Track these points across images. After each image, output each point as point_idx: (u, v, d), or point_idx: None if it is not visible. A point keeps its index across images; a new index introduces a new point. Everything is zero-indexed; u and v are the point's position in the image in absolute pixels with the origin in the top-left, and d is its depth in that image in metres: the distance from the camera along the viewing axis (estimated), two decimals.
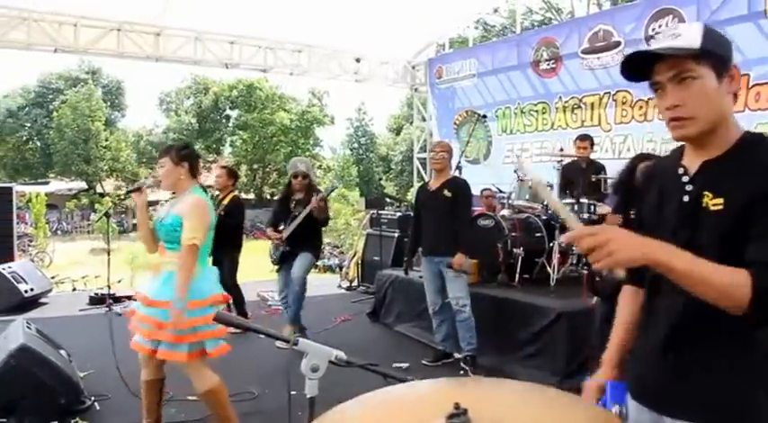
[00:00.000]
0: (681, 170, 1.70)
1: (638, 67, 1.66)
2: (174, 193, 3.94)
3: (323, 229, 6.74)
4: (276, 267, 6.66)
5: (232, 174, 7.67)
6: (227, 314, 1.99)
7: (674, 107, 1.61)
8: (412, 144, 14.80)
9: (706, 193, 1.60)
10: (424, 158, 12.51)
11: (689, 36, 1.59)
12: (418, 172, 12.89)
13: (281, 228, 6.54)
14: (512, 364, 5.61)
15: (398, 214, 10.06)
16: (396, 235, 9.60)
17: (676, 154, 1.77)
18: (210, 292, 3.72)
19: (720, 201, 1.57)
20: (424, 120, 12.79)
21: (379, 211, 10.43)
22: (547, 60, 9.47)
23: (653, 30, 7.82)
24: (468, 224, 5.91)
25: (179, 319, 3.48)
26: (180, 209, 3.72)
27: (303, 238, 6.28)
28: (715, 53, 1.60)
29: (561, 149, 7.73)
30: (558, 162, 6.80)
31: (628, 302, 1.91)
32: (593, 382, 1.86)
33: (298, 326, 6.53)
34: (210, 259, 4.44)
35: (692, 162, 1.68)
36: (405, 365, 5.57)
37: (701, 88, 1.58)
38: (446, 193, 5.62)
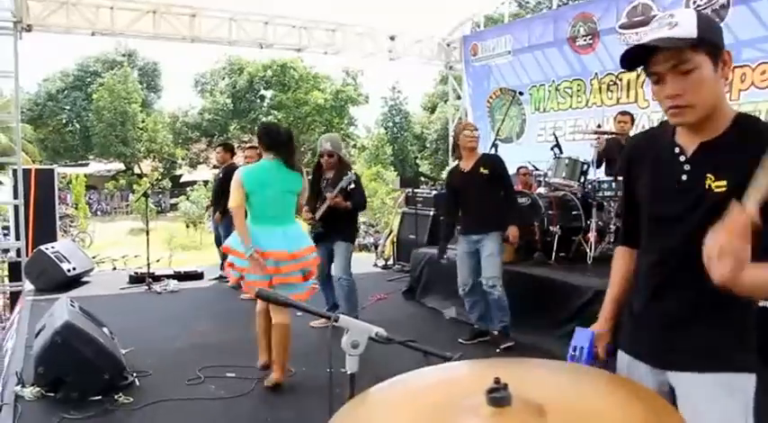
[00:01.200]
0: (677, 149, 1.75)
1: (636, 55, 1.69)
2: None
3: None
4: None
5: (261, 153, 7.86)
6: (268, 290, 2.01)
7: (673, 96, 1.65)
8: (447, 122, 14.75)
9: (708, 175, 1.66)
10: None
11: (685, 25, 1.61)
12: (453, 150, 12.82)
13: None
14: (549, 343, 5.59)
15: (434, 192, 10.03)
16: (431, 213, 9.56)
17: (668, 130, 1.80)
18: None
19: (723, 183, 1.64)
20: (458, 98, 12.70)
21: (415, 190, 10.40)
22: (583, 36, 9.31)
23: (694, 3, 7.64)
24: (514, 196, 5.86)
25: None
26: None
27: (337, 221, 6.12)
28: (710, 41, 1.63)
29: (599, 126, 7.62)
30: (596, 140, 6.71)
31: (622, 262, 2.01)
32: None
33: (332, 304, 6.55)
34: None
35: (688, 142, 1.74)
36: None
37: (698, 77, 1.62)
38: (482, 170, 5.55)
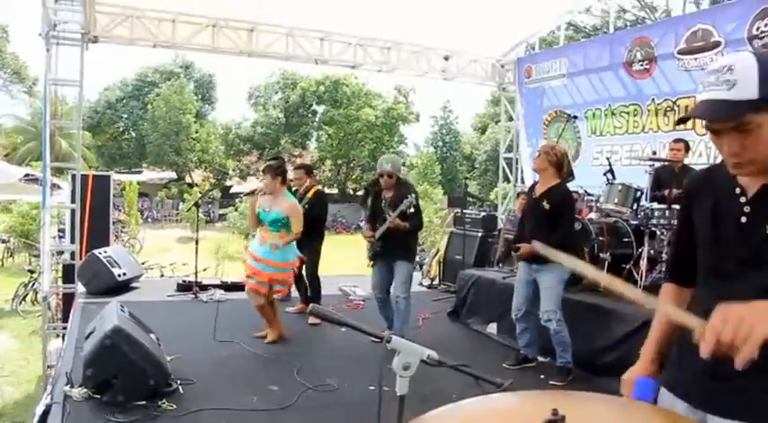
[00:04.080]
0: (738, 190, 1.69)
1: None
2: (270, 193, 6.15)
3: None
4: (371, 263, 6.61)
5: (309, 171, 8.09)
6: (321, 308, 2.01)
7: (733, 153, 1.59)
8: (497, 144, 14.66)
9: None
10: (510, 158, 12.38)
11: (745, 84, 1.51)
12: (503, 172, 12.74)
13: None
14: (591, 371, 5.48)
15: (483, 214, 9.98)
16: (479, 234, 9.52)
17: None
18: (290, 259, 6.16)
19: None
20: (510, 119, 12.63)
21: (464, 211, 10.36)
22: (640, 61, 9.18)
23: (757, 29, 7.48)
24: (567, 231, 5.56)
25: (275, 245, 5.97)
26: (281, 207, 6.11)
27: (397, 240, 6.13)
28: None
29: (654, 153, 7.48)
30: (651, 166, 6.59)
31: (669, 300, 1.92)
32: (629, 375, 1.88)
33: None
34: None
35: (749, 183, 1.67)
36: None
37: (758, 135, 1.54)
38: (545, 204, 5.40)
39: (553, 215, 5.35)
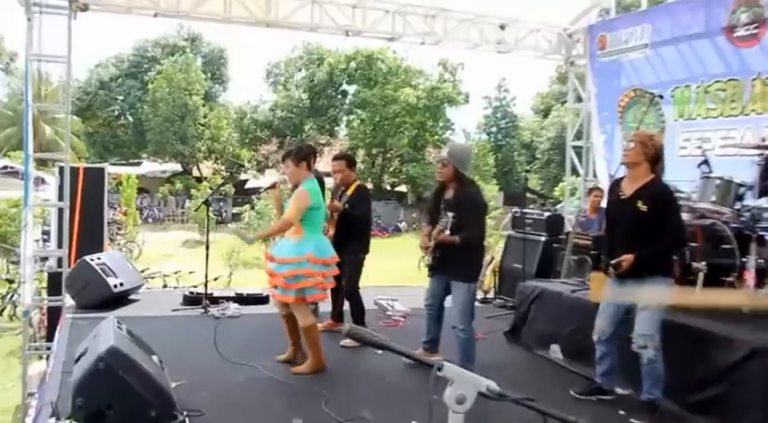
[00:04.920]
0: None
1: None
2: (296, 186, 6.10)
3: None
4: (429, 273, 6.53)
5: (351, 162, 7.91)
6: (360, 329, 1.98)
7: None
8: (563, 129, 14.54)
9: None
10: (580, 147, 12.24)
11: None
12: (571, 163, 12.61)
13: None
14: (685, 407, 5.37)
15: (547, 214, 9.87)
16: (542, 239, 9.44)
17: None
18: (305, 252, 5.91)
19: None
20: (580, 100, 12.49)
21: (523, 210, 10.26)
22: (746, 25, 8.94)
23: None
24: (677, 241, 5.45)
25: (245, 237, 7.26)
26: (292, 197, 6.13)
27: (453, 254, 5.99)
28: None
29: (763, 140, 7.27)
30: (760, 155, 6.43)
31: None
32: None
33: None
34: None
35: None
36: None
37: None
38: (641, 205, 5.22)
39: (652, 219, 5.21)
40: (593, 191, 9.99)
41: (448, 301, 6.31)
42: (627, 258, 5.20)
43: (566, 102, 14.16)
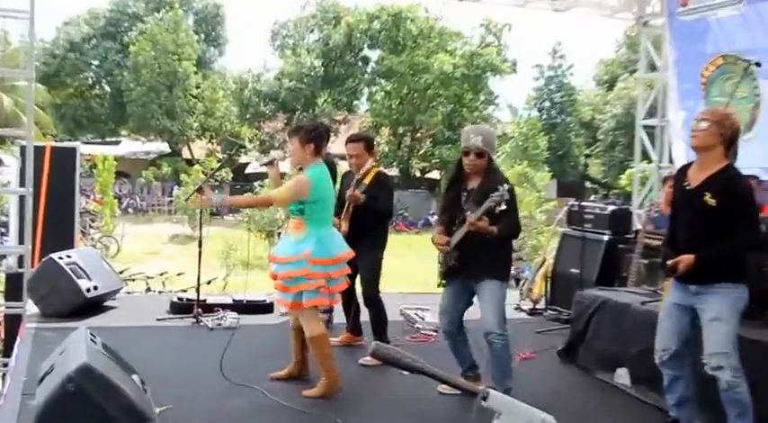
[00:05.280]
0: None
1: None
2: (300, 168, 6.17)
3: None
4: (442, 281, 6.51)
5: (370, 144, 7.83)
6: (387, 348, 1.96)
7: None
8: (632, 105, 14.45)
9: None
10: (653, 126, 12.15)
11: None
12: (642, 147, 12.52)
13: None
14: None
15: (611, 208, 9.80)
16: (605, 239, 9.38)
17: None
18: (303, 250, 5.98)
19: None
20: (654, 69, 12.40)
21: (581, 203, 10.20)
22: None
23: None
24: (743, 253, 5.33)
25: (208, 198, 6.59)
26: None
27: (481, 251, 5.93)
28: None
29: None
30: None
31: None
32: None
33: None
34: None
35: None
36: None
37: None
38: (708, 198, 5.14)
39: (722, 215, 5.15)
40: (668, 180, 9.90)
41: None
42: (685, 259, 5.14)
43: (636, 71, 14.04)
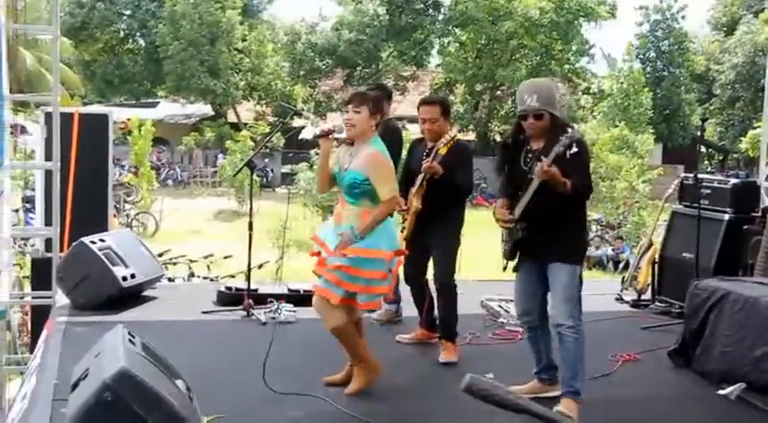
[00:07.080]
0: None
1: None
2: (355, 137, 6.12)
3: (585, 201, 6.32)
4: (507, 263, 6.39)
5: (447, 109, 7.72)
6: (484, 382, 1.92)
7: None
8: (757, 52, 14.14)
9: None
10: None
11: None
12: None
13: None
14: None
15: (733, 182, 9.61)
16: (726, 218, 9.23)
17: None
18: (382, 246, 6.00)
19: None
20: None
21: (698, 175, 10.03)
22: None
23: None
24: None
25: (346, 242, 5.93)
26: (360, 164, 6.02)
27: (551, 223, 5.82)
28: None
29: None
30: None
31: None
32: None
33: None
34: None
35: None
36: None
37: None
38: None
39: None
40: None
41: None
42: None
43: (762, 11, 13.77)
